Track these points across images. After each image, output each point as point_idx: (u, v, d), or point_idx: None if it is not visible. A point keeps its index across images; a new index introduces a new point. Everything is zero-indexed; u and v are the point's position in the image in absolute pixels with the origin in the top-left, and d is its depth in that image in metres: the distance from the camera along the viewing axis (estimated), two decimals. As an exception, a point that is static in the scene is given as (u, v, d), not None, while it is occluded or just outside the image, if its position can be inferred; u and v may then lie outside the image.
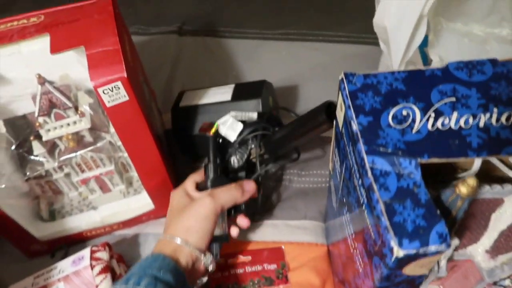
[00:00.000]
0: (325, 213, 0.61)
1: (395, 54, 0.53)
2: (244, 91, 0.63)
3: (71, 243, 0.61)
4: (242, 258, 0.59)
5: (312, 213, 0.62)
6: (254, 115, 0.58)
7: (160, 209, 0.61)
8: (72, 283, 0.51)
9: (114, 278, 0.53)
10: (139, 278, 0.42)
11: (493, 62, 0.38)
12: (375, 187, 0.31)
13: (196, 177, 0.56)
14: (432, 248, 0.28)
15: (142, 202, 0.62)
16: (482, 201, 0.38)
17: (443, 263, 0.37)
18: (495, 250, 0.39)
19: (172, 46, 0.90)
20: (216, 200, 0.49)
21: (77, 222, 0.61)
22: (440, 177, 0.37)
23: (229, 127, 0.55)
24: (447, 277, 0.40)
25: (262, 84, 0.64)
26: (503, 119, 0.35)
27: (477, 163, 0.35)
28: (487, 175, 0.39)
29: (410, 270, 0.30)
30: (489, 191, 0.38)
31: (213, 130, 0.55)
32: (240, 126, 0.56)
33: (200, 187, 0.55)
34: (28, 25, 0.51)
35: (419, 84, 0.38)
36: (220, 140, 0.57)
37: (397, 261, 0.28)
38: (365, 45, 0.86)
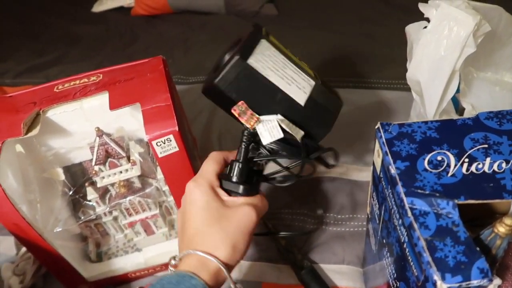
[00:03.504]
0: (363, 258, 0.62)
1: (429, 106, 0.55)
2: (317, 107, 0.51)
3: (116, 284, 0.64)
4: (280, 302, 0.60)
5: (350, 257, 0.63)
6: (299, 134, 0.48)
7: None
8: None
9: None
10: None
11: (523, 111, 0.41)
12: (415, 225, 0.33)
13: (216, 166, 0.48)
14: (475, 282, 0.29)
15: (184, 245, 0.65)
16: (525, 245, 0.39)
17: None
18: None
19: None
20: (258, 214, 0.46)
21: (122, 264, 0.64)
22: (478, 222, 0.39)
23: (268, 129, 0.47)
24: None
25: (337, 111, 0.52)
26: (535, 164, 0.37)
27: (514, 205, 0.37)
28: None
29: (453, 307, 0.31)
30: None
31: (253, 124, 0.46)
32: (279, 135, 0.47)
33: (225, 185, 0.48)
34: (89, 84, 0.57)
35: (452, 132, 0.40)
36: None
37: (441, 295, 0.30)
38: (397, 91, 0.90)
